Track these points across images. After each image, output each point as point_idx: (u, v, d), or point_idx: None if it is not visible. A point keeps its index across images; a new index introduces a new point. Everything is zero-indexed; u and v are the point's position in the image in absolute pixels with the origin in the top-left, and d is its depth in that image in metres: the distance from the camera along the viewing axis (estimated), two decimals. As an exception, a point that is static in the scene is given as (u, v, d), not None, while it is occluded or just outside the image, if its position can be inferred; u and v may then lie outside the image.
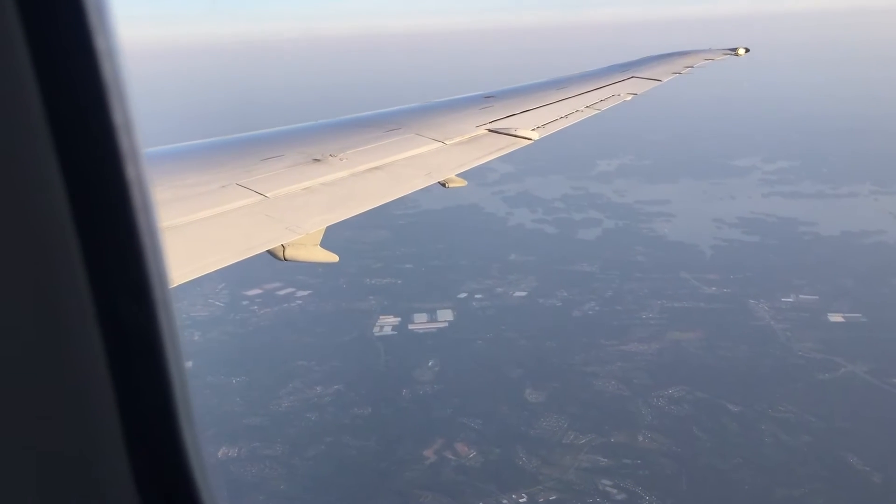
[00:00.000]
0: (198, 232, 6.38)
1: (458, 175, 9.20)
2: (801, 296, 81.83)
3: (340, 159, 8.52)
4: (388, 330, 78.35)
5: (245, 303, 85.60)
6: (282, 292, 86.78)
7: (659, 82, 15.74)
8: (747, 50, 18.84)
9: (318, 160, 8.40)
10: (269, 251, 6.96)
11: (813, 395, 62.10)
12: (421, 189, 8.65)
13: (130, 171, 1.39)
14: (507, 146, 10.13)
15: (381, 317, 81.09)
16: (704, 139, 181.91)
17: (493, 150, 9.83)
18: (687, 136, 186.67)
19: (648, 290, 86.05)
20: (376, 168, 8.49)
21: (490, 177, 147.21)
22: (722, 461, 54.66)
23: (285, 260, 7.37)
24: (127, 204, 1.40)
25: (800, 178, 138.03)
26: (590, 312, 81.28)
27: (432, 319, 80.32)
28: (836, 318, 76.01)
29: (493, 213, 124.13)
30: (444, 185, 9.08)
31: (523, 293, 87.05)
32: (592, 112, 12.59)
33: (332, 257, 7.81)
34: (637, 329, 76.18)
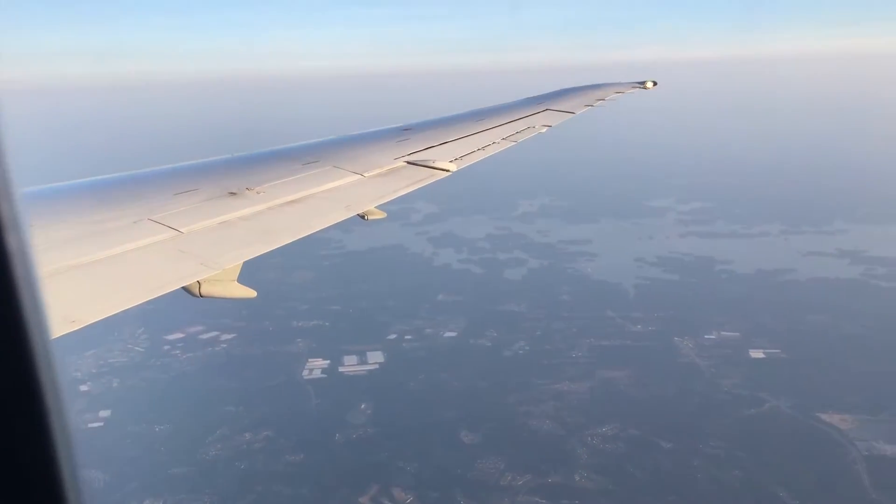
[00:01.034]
0: (108, 269, 6.06)
1: (377, 207, 9.09)
2: (722, 332, 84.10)
3: (258, 193, 8.34)
4: (317, 373, 76.76)
5: (166, 347, 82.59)
6: (205, 336, 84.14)
7: (572, 114, 15.92)
8: (655, 83, 19.13)
9: (234, 194, 8.22)
10: (184, 288, 6.60)
11: (741, 430, 63.44)
12: (341, 222, 8.47)
13: (12, 241, 1.30)
14: (426, 178, 10.10)
15: (309, 360, 79.47)
16: (621, 180, 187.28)
17: (412, 182, 9.78)
18: (604, 177, 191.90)
19: (576, 328, 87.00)
20: (294, 201, 8.37)
21: (413, 217, 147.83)
22: (657, 499, 55.08)
23: (201, 296, 7.03)
24: (8, 275, 1.30)
25: (713, 219, 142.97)
26: (520, 352, 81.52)
27: (363, 361, 79.13)
28: (757, 354, 78.30)
29: (418, 254, 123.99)
30: (363, 217, 8.93)
31: (453, 333, 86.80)
32: (509, 144, 12.67)
33: (250, 293, 7.46)
34: (568, 368, 76.74)
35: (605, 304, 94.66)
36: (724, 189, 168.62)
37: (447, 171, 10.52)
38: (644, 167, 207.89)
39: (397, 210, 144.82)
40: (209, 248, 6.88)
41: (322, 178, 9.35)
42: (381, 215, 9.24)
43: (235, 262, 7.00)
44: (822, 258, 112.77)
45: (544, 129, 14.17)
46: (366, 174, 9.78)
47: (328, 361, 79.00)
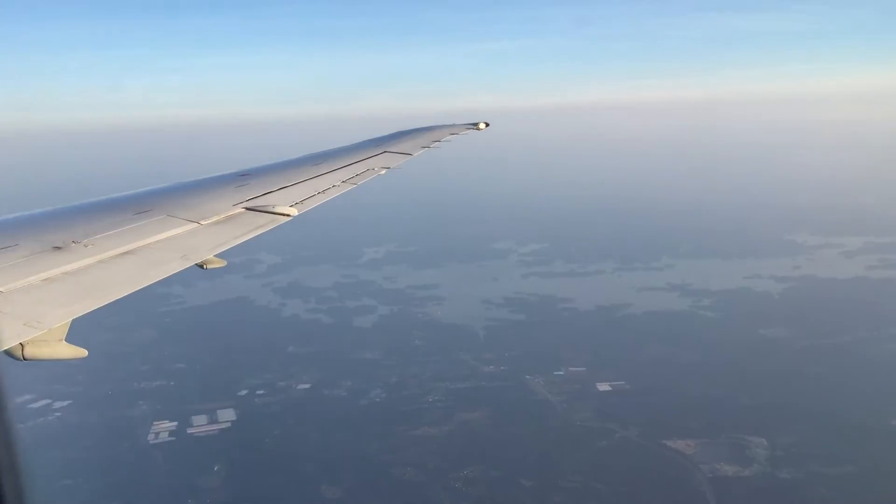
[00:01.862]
0: None
1: (216, 255, 8.73)
2: (570, 368, 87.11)
3: (86, 245, 7.84)
4: (164, 436, 72.48)
5: (-11, 421, 75.21)
6: (36, 405, 77.54)
7: (410, 156, 16.09)
8: (487, 124, 19.67)
9: (59, 248, 7.70)
10: (5, 352, 6.13)
11: (595, 462, 65.58)
12: (180, 274, 8.04)
13: None
14: (266, 224, 9.84)
15: (155, 423, 74.98)
16: (462, 224, 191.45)
17: (251, 229, 9.50)
18: (446, 221, 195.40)
19: (431, 373, 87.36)
20: (127, 253, 7.92)
21: (257, 268, 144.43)
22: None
23: (24, 360, 6.56)
24: None
25: (552, 259, 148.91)
26: (377, 400, 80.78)
27: (213, 421, 75.56)
28: (604, 386, 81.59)
29: (264, 306, 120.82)
30: (202, 266, 8.56)
31: (307, 385, 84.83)
32: (349, 186, 12.60)
33: (80, 352, 7.00)
34: (425, 413, 76.73)
35: (457, 347, 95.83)
36: (558, 230, 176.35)
37: (288, 215, 10.24)
38: (483, 210, 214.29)
39: (240, 262, 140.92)
40: (32, 306, 6.33)
41: (156, 227, 8.89)
42: (220, 264, 8.83)
43: (62, 321, 6.45)
44: (655, 292, 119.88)
45: (383, 171, 14.13)
46: (203, 222, 9.38)
47: (175, 423, 74.86)
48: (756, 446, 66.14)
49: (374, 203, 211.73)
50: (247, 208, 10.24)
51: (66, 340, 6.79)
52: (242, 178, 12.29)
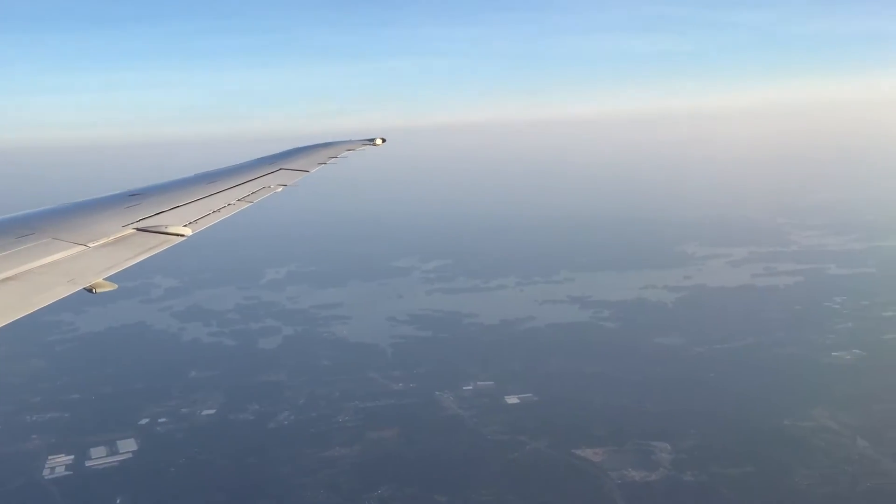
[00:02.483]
0: None
1: (106, 279, 8.32)
2: (478, 383, 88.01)
3: None
4: (61, 471, 69.06)
5: None
6: (-84, 443, 72.63)
7: (307, 172, 16.01)
8: (384, 140, 19.71)
9: None
10: None
11: (508, 474, 66.38)
12: (70, 300, 7.68)
13: None
14: (159, 244, 9.56)
15: (50, 457, 71.32)
16: (363, 242, 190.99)
17: (143, 250, 9.23)
18: (346, 240, 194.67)
19: (340, 392, 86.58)
20: (8, 279, 7.46)
21: (153, 292, 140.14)
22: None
23: None
24: None
25: (455, 275, 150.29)
26: (285, 423, 79.43)
27: (113, 452, 72.50)
28: (512, 399, 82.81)
29: (163, 330, 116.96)
30: (90, 290, 8.13)
31: (212, 411, 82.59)
32: (245, 205, 12.42)
33: None
34: (336, 433, 75.95)
35: (365, 366, 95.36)
36: (458, 247, 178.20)
37: (182, 235, 9.99)
38: (382, 228, 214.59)
39: (134, 286, 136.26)
40: None
41: (40, 251, 8.42)
42: (110, 287, 8.38)
43: None
44: (556, 305, 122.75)
45: (280, 189, 13.98)
46: (91, 244, 9.01)
47: (72, 456, 71.42)
48: (660, 451, 68.48)
49: (272, 223, 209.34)
50: (138, 229, 9.92)
51: None
52: (133, 198, 11.91)
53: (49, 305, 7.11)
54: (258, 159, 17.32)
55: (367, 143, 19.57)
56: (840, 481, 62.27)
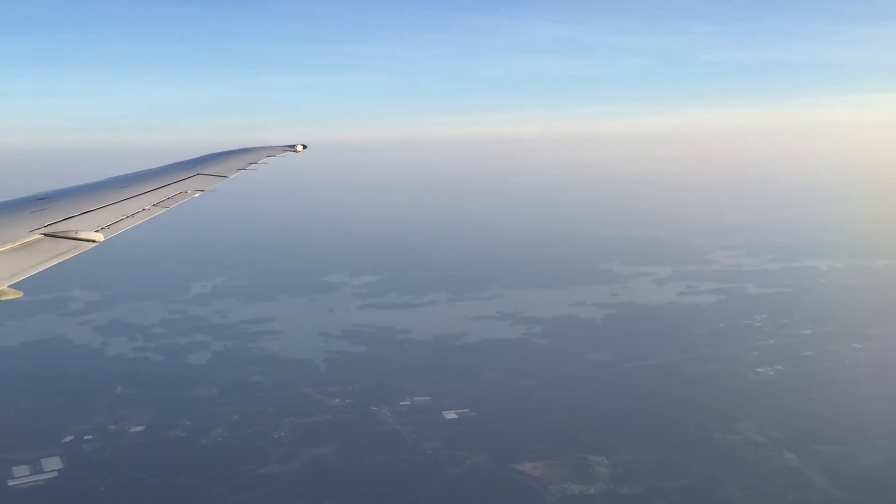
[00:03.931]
0: None
1: (12, 286, 7.92)
2: (415, 398, 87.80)
3: None
4: (-19, 491, 65.67)
5: None
6: None
7: (225, 178, 15.76)
8: (304, 146, 19.61)
9: None
10: None
11: (448, 490, 66.40)
12: None
13: None
14: (69, 250, 9.20)
15: (-31, 477, 67.74)
16: (290, 256, 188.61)
17: (52, 256, 8.84)
18: (273, 254, 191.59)
19: (274, 408, 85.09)
20: None
21: (73, 306, 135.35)
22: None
23: None
24: None
25: (386, 291, 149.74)
26: (219, 439, 77.52)
27: (37, 471, 69.45)
28: (450, 415, 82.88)
29: (85, 345, 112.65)
30: None
31: (140, 427, 79.98)
32: (161, 210, 12.18)
33: None
34: (272, 450, 74.58)
35: (299, 381, 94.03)
36: (388, 263, 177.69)
37: (93, 241, 9.64)
38: (308, 242, 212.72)
39: (51, 299, 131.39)
40: None
41: None
42: (16, 295, 7.99)
43: None
44: (488, 321, 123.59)
45: (197, 194, 13.67)
46: None
47: (-8, 476, 68.06)
48: (598, 465, 69.62)
49: (195, 233, 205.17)
50: (46, 234, 9.53)
51: None
52: (40, 202, 11.49)
53: None
54: (174, 164, 16.96)
55: (288, 149, 19.35)
56: (770, 493, 64.53)
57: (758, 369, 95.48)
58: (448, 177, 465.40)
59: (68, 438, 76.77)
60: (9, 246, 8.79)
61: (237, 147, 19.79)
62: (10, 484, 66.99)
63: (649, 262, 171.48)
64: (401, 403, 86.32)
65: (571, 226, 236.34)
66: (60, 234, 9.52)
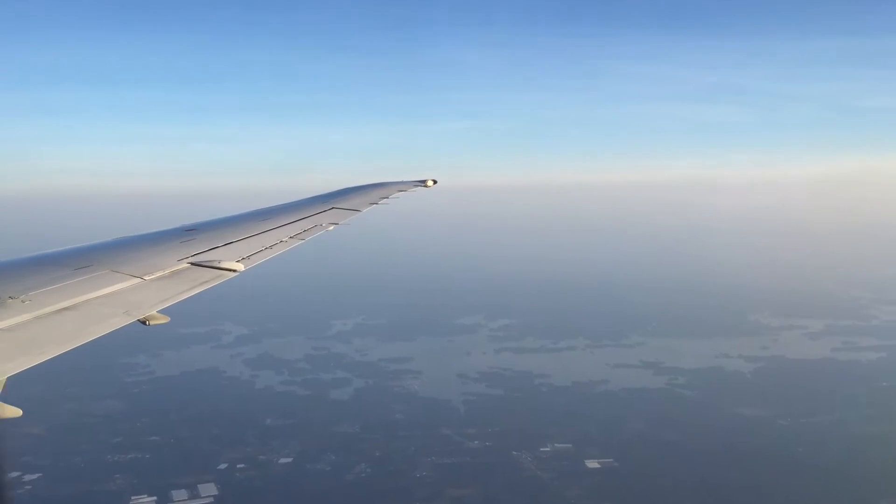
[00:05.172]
0: None
1: (160, 311, 8.43)
2: (556, 444, 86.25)
3: (22, 301, 7.50)
4: (144, 512, 69.33)
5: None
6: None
7: (358, 212, 16.03)
8: (435, 181, 19.54)
9: None
10: None
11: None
12: (121, 328, 7.75)
13: None
14: (213, 279, 9.64)
15: (133, 497, 71.82)
16: (426, 296, 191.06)
17: (197, 284, 9.32)
18: (411, 294, 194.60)
19: (415, 447, 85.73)
20: (67, 308, 7.60)
21: (224, 339, 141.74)
22: None
23: None
24: None
25: (522, 335, 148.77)
26: (363, 475, 78.69)
27: (194, 495, 72.75)
28: (592, 464, 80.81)
29: (236, 377, 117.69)
30: (144, 322, 8.27)
31: (289, 459, 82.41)
32: (297, 242, 12.50)
33: (15, 412, 6.58)
34: (415, 489, 75.05)
35: (438, 422, 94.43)
36: (525, 306, 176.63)
37: (234, 271, 10.06)
38: (444, 282, 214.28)
39: (205, 332, 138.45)
40: None
41: (98, 282, 8.62)
42: (163, 320, 8.51)
43: None
44: (629, 369, 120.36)
45: (331, 227, 14.05)
46: (146, 277, 9.18)
47: (155, 498, 71.86)
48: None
49: (333, 271, 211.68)
50: (192, 263, 10.05)
51: (1, 401, 6.33)
52: (188, 233, 12.12)
53: (106, 336, 7.20)
54: (310, 198, 17.53)
55: (419, 184, 19.48)
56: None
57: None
58: (582, 221, 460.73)
59: (223, 466, 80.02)
60: (158, 274, 9.36)
61: (370, 182, 20.36)
62: (169, 506, 70.45)
63: (802, 315, 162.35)
64: (541, 449, 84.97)
65: (718, 274, 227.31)
66: (205, 264, 10.03)
